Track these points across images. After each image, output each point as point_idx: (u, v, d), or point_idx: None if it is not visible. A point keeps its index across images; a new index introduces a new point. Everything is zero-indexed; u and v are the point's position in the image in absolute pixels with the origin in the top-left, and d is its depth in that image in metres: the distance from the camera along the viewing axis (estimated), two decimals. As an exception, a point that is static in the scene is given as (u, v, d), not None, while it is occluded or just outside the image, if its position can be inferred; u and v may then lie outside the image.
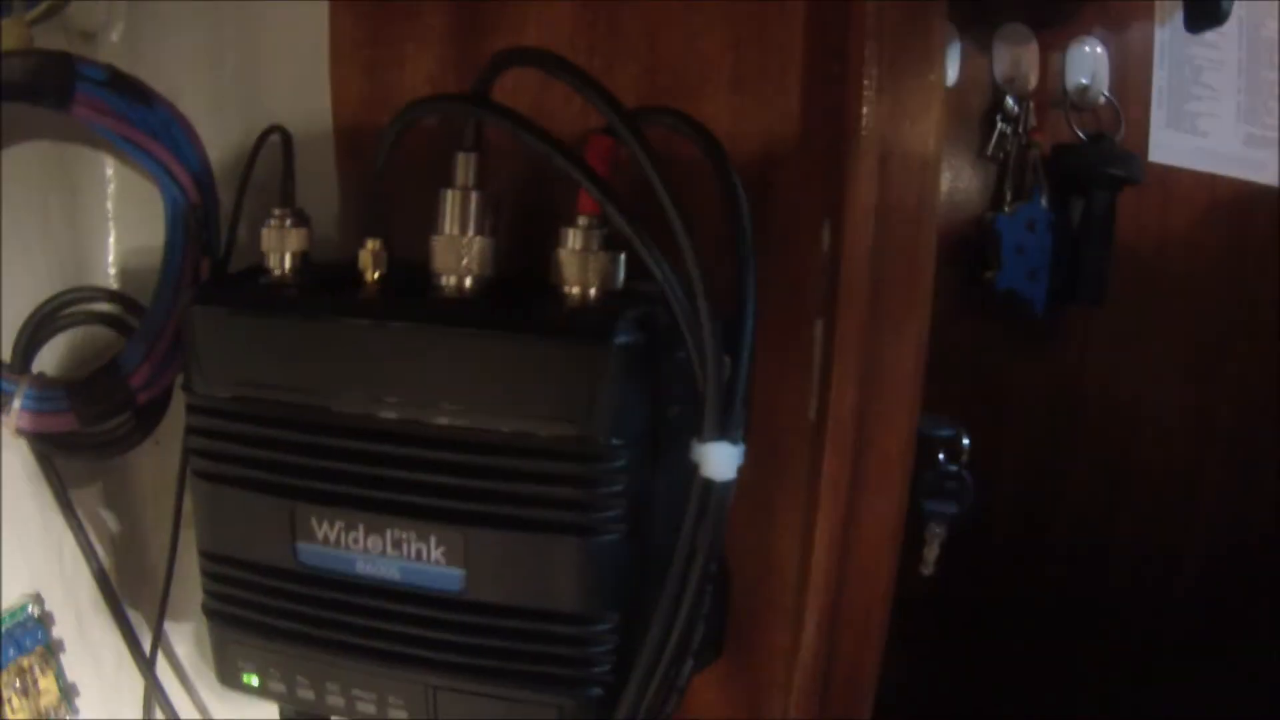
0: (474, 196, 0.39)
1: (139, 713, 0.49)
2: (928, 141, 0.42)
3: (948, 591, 0.64)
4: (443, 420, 0.37)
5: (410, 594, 0.38)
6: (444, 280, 0.39)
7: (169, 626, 0.49)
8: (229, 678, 0.43)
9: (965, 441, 0.54)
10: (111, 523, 0.49)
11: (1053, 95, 0.64)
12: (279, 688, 0.42)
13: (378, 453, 0.38)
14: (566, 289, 0.38)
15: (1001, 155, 0.63)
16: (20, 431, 0.43)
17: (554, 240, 0.39)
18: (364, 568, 0.39)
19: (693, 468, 0.37)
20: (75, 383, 0.44)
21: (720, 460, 0.36)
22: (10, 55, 0.39)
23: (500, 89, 0.40)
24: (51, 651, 0.47)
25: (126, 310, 0.47)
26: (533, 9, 0.45)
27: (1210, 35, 0.65)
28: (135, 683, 0.49)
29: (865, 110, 0.40)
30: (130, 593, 0.48)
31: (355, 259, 0.40)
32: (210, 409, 0.40)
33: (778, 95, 0.42)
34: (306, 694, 0.41)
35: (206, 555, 0.42)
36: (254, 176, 0.45)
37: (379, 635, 0.39)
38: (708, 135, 0.39)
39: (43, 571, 0.47)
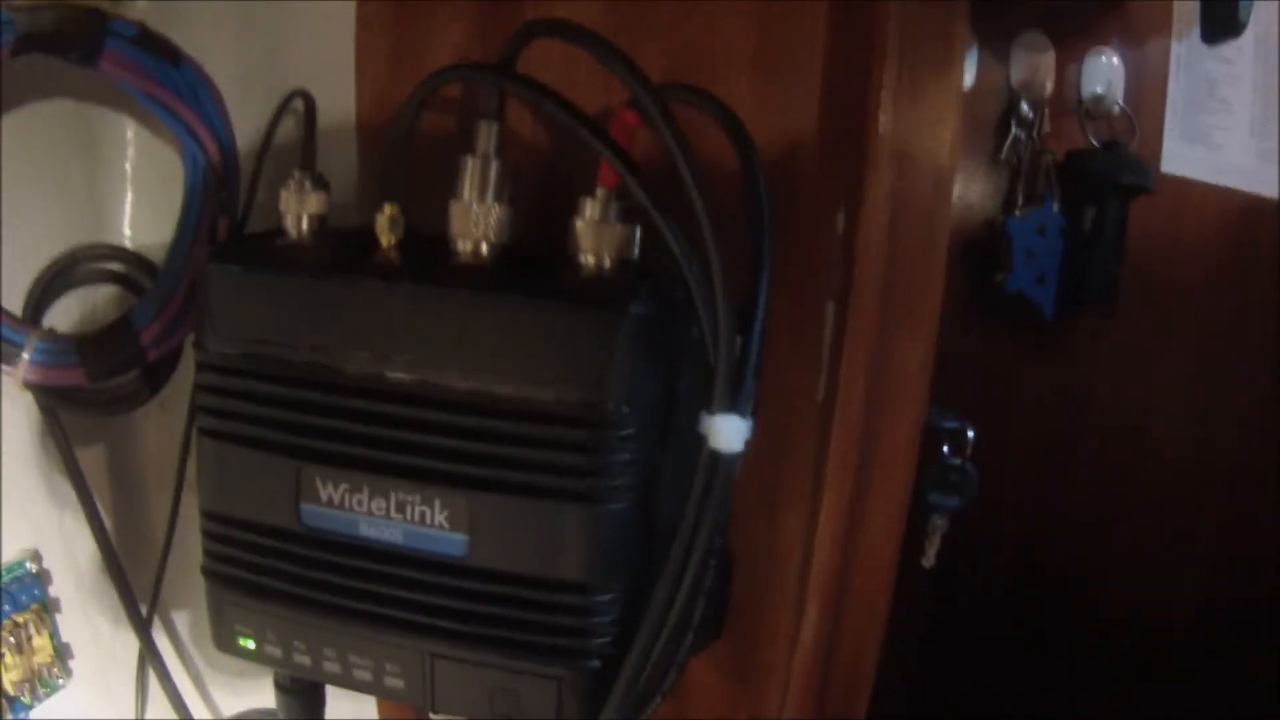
0: (495, 164, 0.39)
1: (133, 676, 0.49)
2: (945, 133, 0.43)
3: (949, 593, 0.64)
4: (453, 383, 0.37)
5: (412, 558, 0.38)
6: (460, 246, 0.39)
7: (167, 592, 0.49)
8: (225, 641, 0.43)
9: (970, 435, 0.54)
10: (114, 484, 0.49)
11: (1068, 103, 0.64)
12: (275, 652, 0.42)
13: (386, 414, 0.38)
14: (582, 258, 0.38)
15: (1015, 160, 0.63)
16: (28, 384, 0.43)
17: (572, 211, 0.39)
18: (367, 530, 0.39)
19: (701, 442, 0.37)
20: (85, 337, 0.44)
21: (729, 432, 0.36)
22: (42, 7, 0.39)
23: (524, 65, 0.40)
24: (47, 610, 0.47)
25: (139, 270, 0.47)
26: (561, -13, 0.45)
27: (1227, 51, 0.66)
28: (130, 647, 0.49)
29: (884, 112, 0.41)
30: (130, 554, 0.48)
31: (372, 226, 0.40)
32: (221, 366, 0.40)
33: (800, 80, 0.42)
34: (303, 659, 0.41)
35: (209, 515, 0.42)
36: (277, 146, 0.45)
37: (379, 600, 0.39)
38: (729, 113, 0.39)
39: (43, 528, 0.47)
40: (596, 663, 0.38)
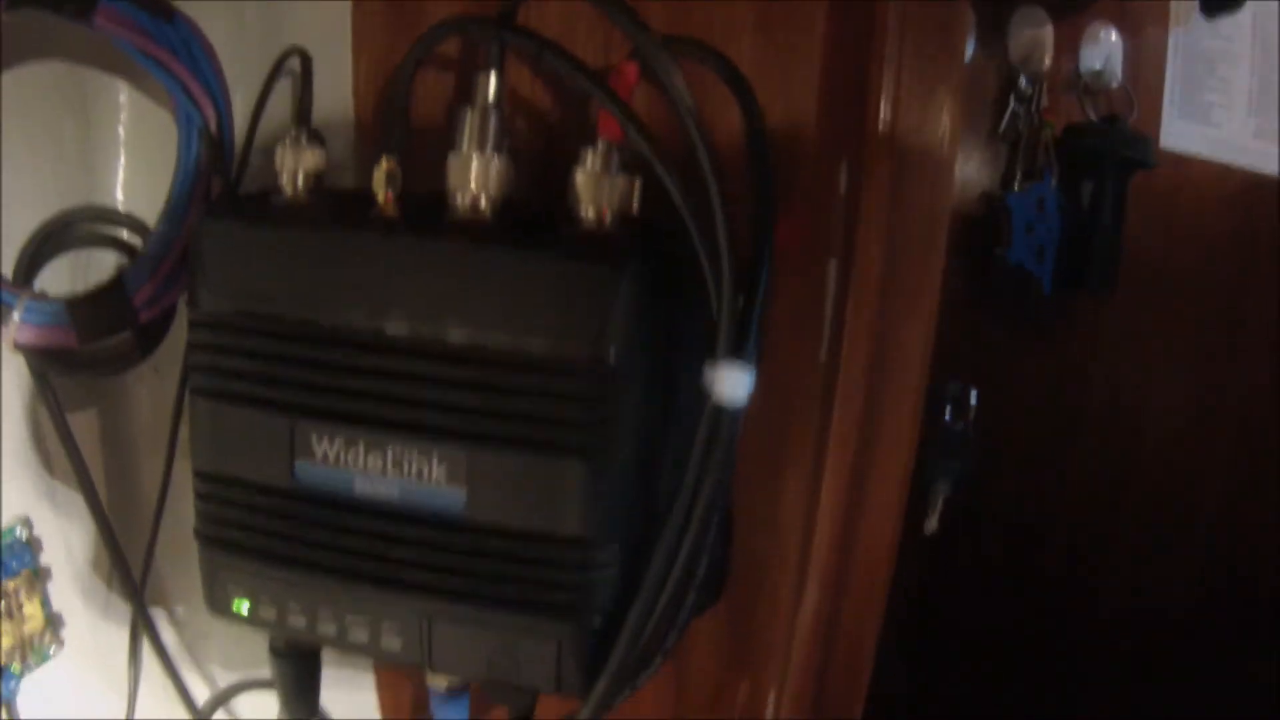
0: (494, 116, 0.38)
1: (126, 644, 0.48)
2: (947, 96, 0.42)
3: (946, 584, 0.63)
4: (451, 337, 0.36)
5: (410, 515, 0.38)
6: (459, 199, 0.38)
7: (160, 558, 0.48)
8: (219, 604, 0.42)
9: (974, 400, 0.54)
10: (106, 449, 0.48)
11: (1066, 78, 0.64)
12: (269, 614, 0.41)
13: (382, 368, 0.37)
14: (582, 211, 0.38)
15: (1013, 135, 0.63)
16: (19, 345, 0.43)
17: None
18: (363, 487, 0.38)
19: (702, 405, 0.37)
20: (77, 298, 0.43)
21: (732, 382, 0.35)
22: (34, -40, 0.39)
23: (523, 21, 0.40)
24: (38, 577, 0.46)
25: (132, 232, 0.47)
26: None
27: (1226, 29, 0.66)
28: (123, 615, 0.48)
29: (886, 76, 0.40)
30: (121, 520, 0.47)
31: (369, 184, 0.40)
32: (214, 324, 0.39)
33: (802, 39, 0.42)
34: (298, 620, 0.41)
35: (201, 475, 0.41)
36: (272, 107, 0.45)
37: (375, 559, 0.39)
38: (734, 68, 0.39)
39: (33, 495, 0.46)
40: (597, 619, 0.37)
